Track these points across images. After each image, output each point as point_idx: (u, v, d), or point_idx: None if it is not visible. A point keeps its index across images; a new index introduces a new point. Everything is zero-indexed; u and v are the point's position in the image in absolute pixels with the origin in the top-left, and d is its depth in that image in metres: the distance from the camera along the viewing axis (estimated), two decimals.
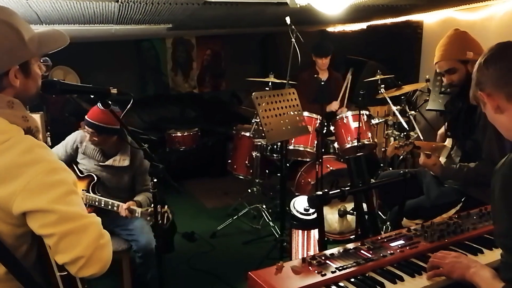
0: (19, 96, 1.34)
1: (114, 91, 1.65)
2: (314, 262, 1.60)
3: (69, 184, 1.28)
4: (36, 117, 3.56)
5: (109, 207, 2.85)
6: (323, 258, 1.64)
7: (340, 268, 1.57)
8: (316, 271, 1.54)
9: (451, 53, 2.57)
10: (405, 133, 3.86)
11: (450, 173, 2.64)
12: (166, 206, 2.48)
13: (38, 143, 1.29)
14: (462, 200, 2.61)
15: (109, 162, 2.98)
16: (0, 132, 1.24)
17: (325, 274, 1.53)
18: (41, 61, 1.41)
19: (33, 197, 1.20)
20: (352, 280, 1.55)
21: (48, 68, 1.45)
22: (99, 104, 2.77)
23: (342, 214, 3.79)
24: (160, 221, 2.42)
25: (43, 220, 1.22)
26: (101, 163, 3.00)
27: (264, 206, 4.33)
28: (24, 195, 1.20)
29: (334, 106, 4.70)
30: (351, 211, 3.48)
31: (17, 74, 1.31)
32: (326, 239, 2.79)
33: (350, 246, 1.76)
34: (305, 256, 1.69)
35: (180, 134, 5.49)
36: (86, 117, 2.90)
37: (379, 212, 3.99)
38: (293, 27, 3.65)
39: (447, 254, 1.58)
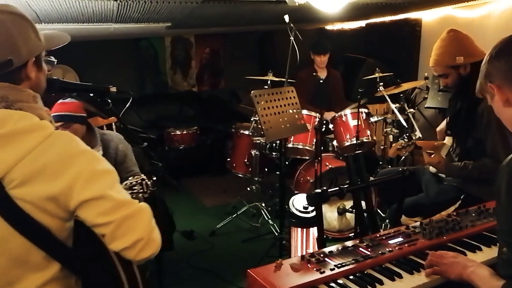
0: (33, 90, 1.34)
1: (113, 89, 1.65)
2: (313, 259, 1.61)
3: (114, 172, 1.32)
4: None
5: None
6: (321, 255, 1.65)
7: (339, 265, 1.58)
8: (315, 269, 1.55)
9: (442, 60, 2.62)
10: (407, 134, 3.86)
11: (455, 170, 2.66)
12: (142, 175, 2.35)
13: (72, 135, 1.31)
14: (461, 197, 2.62)
15: None
16: (40, 128, 1.25)
17: (323, 272, 1.53)
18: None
19: (89, 186, 1.22)
20: (351, 277, 1.55)
21: (52, 66, 1.46)
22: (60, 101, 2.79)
23: (341, 212, 3.80)
24: (142, 191, 2.38)
25: (99, 208, 1.23)
26: None
27: (263, 204, 4.33)
28: (80, 185, 1.22)
29: (331, 114, 4.64)
30: (350, 209, 3.49)
31: (32, 67, 1.32)
32: (325, 237, 2.80)
33: (349, 243, 1.76)
34: (304, 253, 1.69)
35: (179, 133, 5.50)
36: (52, 115, 2.85)
37: (378, 210, 3.99)
38: (291, 25, 3.65)
39: (445, 254, 1.59)
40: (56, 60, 1.46)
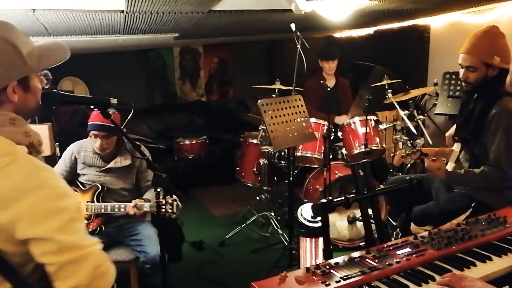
0: (18, 111, 1.33)
1: (114, 101, 1.65)
2: (319, 271, 1.58)
3: (72, 211, 1.27)
4: (44, 128, 3.60)
5: (116, 210, 2.86)
6: (327, 267, 1.62)
7: (345, 277, 1.54)
8: (320, 281, 1.52)
9: (479, 52, 2.51)
10: (411, 141, 3.82)
11: (455, 178, 2.61)
12: (173, 196, 2.51)
13: (42, 167, 1.27)
14: (472, 205, 2.57)
15: (110, 165, 3.00)
16: (3, 154, 1.22)
17: (329, 284, 1.50)
18: (42, 74, 1.41)
19: (35, 225, 1.20)
20: None
21: (49, 81, 1.44)
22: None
23: (351, 221, 3.76)
24: (171, 210, 2.49)
25: (43, 248, 1.22)
26: (102, 168, 3.01)
27: (272, 214, 4.31)
28: (26, 221, 1.19)
29: (343, 118, 4.63)
30: (360, 218, 3.45)
31: (15, 89, 1.31)
32: (336, 246, 2.75)
33: (356, 254, 1.73)
34: (313, 263, 1.66)
35: (188, 142, 5.52)
36: (93, 122, 2.91)
37: (390, 218, 3.94)
38: (298, 33, 3.65)
39: (464, 277, 1.52)
40: (51, 77, 1.43)
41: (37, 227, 1.20)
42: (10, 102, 1.30)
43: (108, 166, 3.00)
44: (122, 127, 1.77)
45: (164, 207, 2.56)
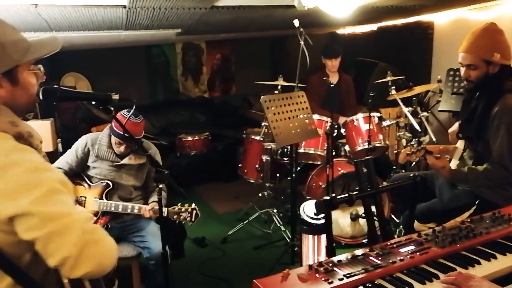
0: (9, 105, 1.30)
1: (115, 97, 1.64)
2: (321, 269, 1.57)
3: (50, 183, 1.24)
4: (46, 123, 3.59)
5: (129, 210, 2.85)
6: (330, 265, 1.60)
7: (348, 275, 1.53)
8: (323, 279, 1.51)
9: (478, 50, 2.49)
10: (416, 139, 3.81)
11: (459, 176, 2.59)
12: (193, 204, 2.62)
13: (18, 147, 1.25)
14: (476, 203, 2.55)
15: (124, 161, 2.98)
16: None
17: (332, 282, 1.49)
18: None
19: (13, 200, 1.17)
20: (360, 287, 1.51)
21: (42, 75, 1.41)
22: (128, 115, 2.78)
23: (354, 218, 3.74)
24: (189, 219, 2.62)
25: (26, 224, 1.19)
26: (115, 163, 2.99)
27: (275, 210, 4.30)
28: (3, 198, 1.17)
29: (343, 119, 4.59)
30: (363, 215, 3.43)
31: (2, 83, 1.28)
32: (338, 243, 2.73)
33: (359, 252, 1.72)
34: (315, 261, 1.65)
35: (190, 139, 5.51)
36: (120, 132, 2.84)
37: (393, 216, 3.93)
38: (301, 30, 3.63)
39: (471, 277, 1.49)
40: (43, 71, 1.40)
41: (14, 202, 1.17)
42: None
43: (122, 162, 2.98)
44: (123, 131, 1.73)
45: (182, 214, 2.58)
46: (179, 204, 2.75)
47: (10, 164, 1.21)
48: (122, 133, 2.81)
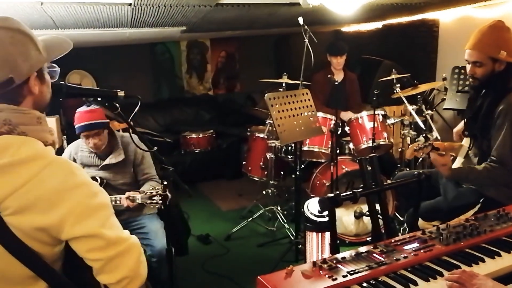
0: (37, 104, 1.32)
1: (121, 94, 1.64)
2: (325, 266, 1.57)
3: (109, 206, 1.32)
4: (52, 120, 3.62)
5: (113, 202, 2.85)
6: (334, 262, 1.61)
7: (352, 272, 1.53)
8: (327, 275, 1.51)
9: (485, 47, 2.48)
10: (424, 135, 3.80)
11: (460, 175, 2.58)
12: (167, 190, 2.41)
13: (73, 166, 1.29)
14: (481, 201, 2.55)
15: (106, 161, 3.00)
16: (38, 157, 1.22)
17: (336, 279, 1.49)
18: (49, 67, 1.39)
19: (81, 223, 1.22)
20: (364, 284, 1.51)
21: (56, 75, 1.43)
22: (81, 108, 2.89)
23: (358, 216, 3.75)
24: (161, 202, 2.41)
25: (90, 245, 1.25)
26: (100, 166, 3.02)
27: (279, 208, 4.30)
28: (72, 221, 1.21)
29: (349, 114, 4.59)
30: (367, 213, 3.43)
31: (35, 82, 1.30)
32: (342, 241, 2.72)
33: (363, 249, 1.72)
34: (319, 258, 1.65)
35: (195, 136, 5.52)
36: (80, 124, 2.91)
37: (397, 214, 3.93)
38: (306, 27, 3.62)
39: (475, 275, 1.49)
40: (59, 69, 1.42)
41: (84, 224, 1.23)
42: (31, 95, 1.29)
43: (104, 163, 3.00)
44: (129, 120, 1.75)
45: (155, 198, 2.56)
46: (151, 188, 2.73)
47: (75, 186, 1.25)
48: (82, 124, 2.87)
